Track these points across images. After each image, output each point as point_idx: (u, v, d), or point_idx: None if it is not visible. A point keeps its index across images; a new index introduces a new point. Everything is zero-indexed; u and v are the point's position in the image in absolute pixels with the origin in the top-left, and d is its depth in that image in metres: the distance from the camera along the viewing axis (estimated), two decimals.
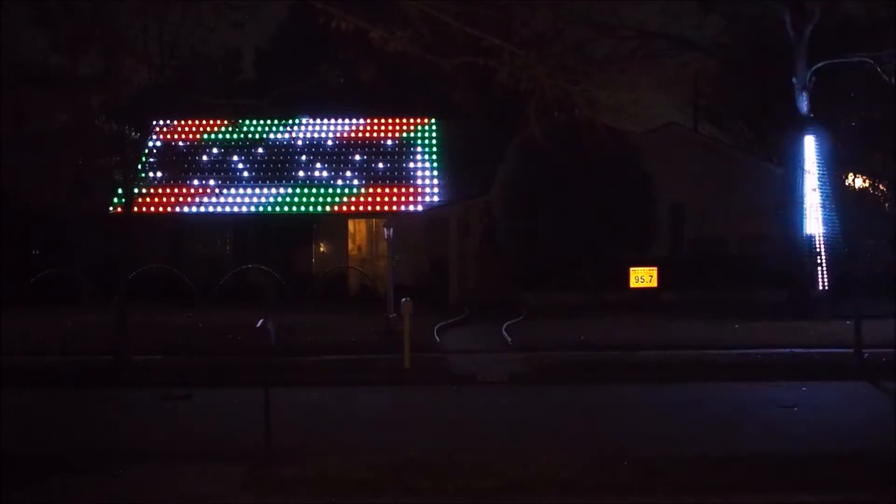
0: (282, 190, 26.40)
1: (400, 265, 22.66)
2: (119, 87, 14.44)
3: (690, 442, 10.25)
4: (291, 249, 26.38)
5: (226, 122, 27.83)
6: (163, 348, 16.97)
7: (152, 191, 26.26)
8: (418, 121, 29.42)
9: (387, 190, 26.45)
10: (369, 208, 26.15)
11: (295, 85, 14.10)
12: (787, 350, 16.43)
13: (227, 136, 28.52)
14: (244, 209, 26.11)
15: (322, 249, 27.35)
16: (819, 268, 22.09)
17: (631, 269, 23.13)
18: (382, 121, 29.38)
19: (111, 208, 25.04)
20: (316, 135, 29.04)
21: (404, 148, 28.40)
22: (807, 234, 22.09)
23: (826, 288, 21.97)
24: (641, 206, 22.50)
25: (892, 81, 21.19)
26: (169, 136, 28.81)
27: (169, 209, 26.15)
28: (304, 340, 17.63)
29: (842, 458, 9.31)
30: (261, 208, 26.10)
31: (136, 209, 23.55)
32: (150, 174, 26.79)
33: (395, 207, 25.92)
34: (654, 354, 16.28)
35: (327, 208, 26.09)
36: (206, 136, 28.82)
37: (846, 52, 21.94)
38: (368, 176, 27.05)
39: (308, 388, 13.94)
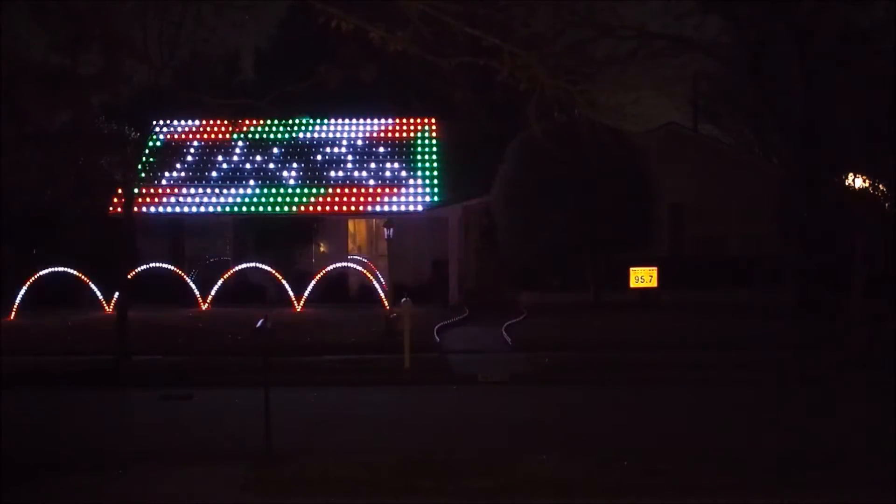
0: (282, 190, 26.39)
1: (400, 265, 22.66)
2: (119, 87, 14.42)
3: (690, 442, 10.26)
4: (291, 249, 26.36)
5: (226, 122, 27.81)
6: (163, 348, 16.98)
7: (152, 191, 26.26)
8: (418, 121, 29.41)
9: (387, 190, 26.44)
10: (369, 208, 26.14)
11: (295, 85, 14.08)
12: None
13: (228, 135, 28.51)
14: (244, 209, 26.10)
15: (322, 249, 27.34)
16: (818, 268, 22.08)
17: (631, 269, 23.10)
18: (382, 121, 29.37)
19: (111, 208, 25.02)
20: (316, 135, 29.03)
21: (404, 148, 28.39)
22: (806, 234, 22.09)
23: (825, 288, 21.96)
24: (641, 206, 22.47)
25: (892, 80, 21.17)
26: (169, 136, 28.81)
27: (169, 209, 26.15)
28: (304, 340, 17.64)
29: (842, 458, 9.32)
30: (261, 208, 26.09)
31: (136, 209, 23.55)
32: (151, 174, 26.78)
33: (395, 207, 25.92)
34: (654, 354, 16.30)
35: (327, 208, 26.07)
36: (206, 135, 28.81)
37: (846, 52, 21.93)
38: (368, 176, 27.04)
39: (308, 388, 13.95)
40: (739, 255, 25.07)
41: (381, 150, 28.27)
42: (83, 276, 23.46)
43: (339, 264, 24.51)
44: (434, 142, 28.51)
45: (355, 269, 24.84)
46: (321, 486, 8.38)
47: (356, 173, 27.12)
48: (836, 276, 21.43)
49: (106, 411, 12.81)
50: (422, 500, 8.03)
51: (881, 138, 21.65)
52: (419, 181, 26.78)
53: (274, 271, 24.08)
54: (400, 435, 10.77)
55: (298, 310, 22.95)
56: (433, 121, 29.26)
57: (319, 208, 26.06)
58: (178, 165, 27.25)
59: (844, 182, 24.00)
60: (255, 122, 28.39)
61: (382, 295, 22.81)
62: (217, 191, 26.38)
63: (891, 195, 24.50)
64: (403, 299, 15.85)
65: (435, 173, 27.13)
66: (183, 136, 28.83)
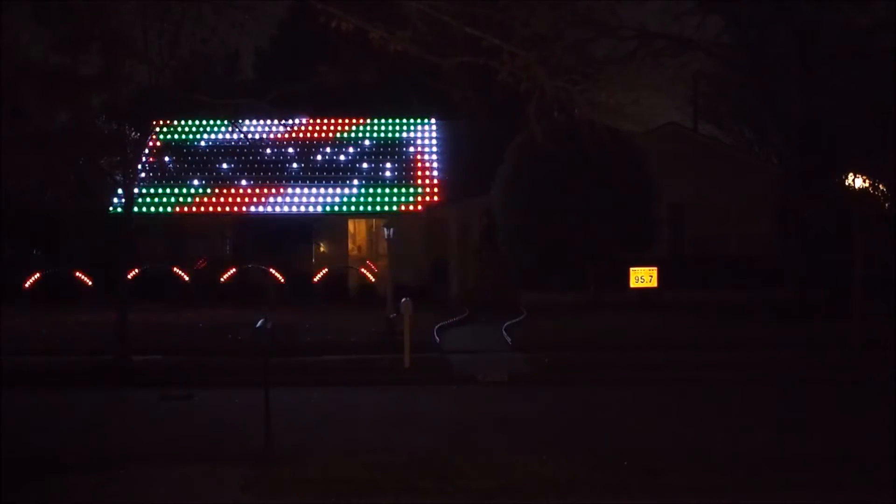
0: (282, 190, 26.39)
1: (400, 265, 22.63)
2: (119, 87, 14.43)
3: (691, 442, 10.25)
4: (291, 249, 26.37)
5: (226, 122, 27.81)
6: (163, 348, 16.97)
7: (152, 191, 26.26)
8: (418, 121, 29.41)
9: (387, 190, 26.44)
10: (369, 208, 26.14)
11: (295, 85, 14.12)
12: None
13: (228, 135, 28.51)
14: (244, 209, 26.10)
15: (322, 249, 27.33)
16: (818, 268, 22.09)
17: (631, 269, 23.09)
18: (382, 120, 29.37)
19: (111, 208, 25.03)
20: (316, 135, 29.02)
21: (404, 148, 28.39)
22: (806, 234, 22.10)
23: (826, 288, 21.98)
24: (641, 206, 22.48)
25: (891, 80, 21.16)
26: (169, 136, 28.80)
27: (169, 209, 26.14)
28: (304, 340, 17.63)
29: (842, 458, 9.32)
30: (261, 208, 26.09)
31: (136, 209, 23.56)
32: (151, 174, 26.78)
33: (395, 207, 25.91)
34: (654, 354, 16.29)
35: (327, 208, 26.07)
36: (206, 135, 28.81)
37: (846, 52, 21.93)
38: (368, 176, 27.04)
39: (308, 388, 13.94)
40: (739, 255, 25.06)
41: (381, 149, 28.27)
42: (83, 276, 23.47)
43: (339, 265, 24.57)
44: (434, 142, 28.50)
45: (355, 269, 24.84)
46: (321, 486, 8.38)
47: (356, 173, 27.11)
48: (836, 276, 21.45)
49: (106, 411, 12.80)
50: (422, 500, 8.03)
51: (881, 138, 21.64)
52: (419, 181, 26.77)
53: (274, 271, 24.08)
54: (400, 435, 10.76)
55: (298, 310, 22.93)
56: (433, 121, 29.26)
57: (319, 208, 26.06)
58: (178, 165, 27.25)
59: (844, 182, 24.01)
60: (254, 121, 28.39)
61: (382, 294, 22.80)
62: (217, 191, 26.38)
63: (891, 195, 24.51)
64: (403, 299, 15.84)
65: (435, 173, 27.13)
66: (183, 135, 28.84)
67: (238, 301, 23.44)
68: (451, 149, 28.06)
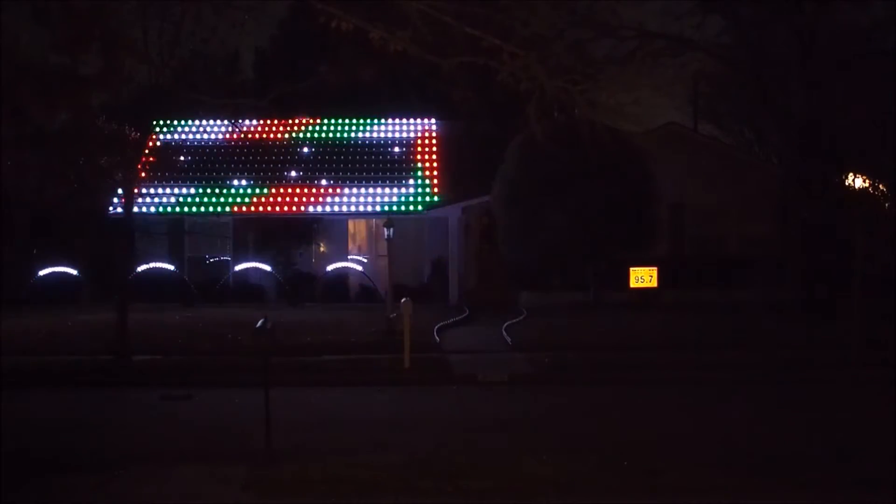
0: (281, 190, 26.38)
1: (400, 265, 22.62)
2: (119, 87, 14.41)
3: (691, 442, 10.26)
4: (291, 249, 26.37)
5: (226, 121, 27.81)
6: (163, 348, 16.97)
7: (152, 191, 26.24)
8: (418, 121, 29.41)
9: (387, 190, 26.43)
10: (369, 208, 26.13)
11: (295, 85, 14.10)
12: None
13: (227, 135, 28.49)
14: (244, 209, 26.10)
15: (322, 249, 27.34)
16: (818, 268, 22.09)
17: (631, 269, 23.10)
18: (382, 120, 29.36)
19: (111, 208, 25.02)
20: (316, 135, 29.02)
21: (404, 148, 28.38)
22: (806, 234, 22.09)
23: (826, 288, 21.98)
24: (641, 206, 22.48)
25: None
26: (169, 136, 28.80)
27: (169, 209, 26.14)
28: (304, 340, 17.63)
29: (842, 458, 9.32)
30: (261, 208, 26.08)
31: (135, 209, 23.54)
32: (151, 174, 26.76)
33: (395, 207, 25.91)
34: (653, 354, 16.30)
35: (327, 208, 26.06)
36: (206, 135, 28.80)
37: (846, 52, 21.93)
38: (368, 176, 27.04)
39: (308, 388, 13.94)
40: (740, 254, 25.08)
41: (381, 149, 28.27)
42: (83, 276, 23.45)
43: (338, 265, 24.56)
44: (434, 142, 28.50)
45: (355, 269, 24.80)
46: (321, 486, 8.38)
47: (356, 173, 27.11)
48: (836, 276, 21.47)
49: (106, 411, 12.80)
50: (422, 500, 8.03)
51: (881, 138, 21.65)
52: (419, 181, 26.78)
53: (274, 271, 24.04)
54: (399, 435, 10.76)
55: (298, 310, 22.94)
56: (433, 121, 29.25)
57: (319, 208, 26.06)
58: (178, 165, 27.22)
59: (844, 182, 24.01)
60: (255, 122, 28.37)
61: (382, 294, 22.82)
62: (217, 191, 26.37)
63: (891, 195, 24.51)
64: (403, 299, 15.84)
65: (435, 173, 27.12)
66: (183, 135, 28.83)
67: (238, 301, 23.43)
68: (451, 149, 28.05)
